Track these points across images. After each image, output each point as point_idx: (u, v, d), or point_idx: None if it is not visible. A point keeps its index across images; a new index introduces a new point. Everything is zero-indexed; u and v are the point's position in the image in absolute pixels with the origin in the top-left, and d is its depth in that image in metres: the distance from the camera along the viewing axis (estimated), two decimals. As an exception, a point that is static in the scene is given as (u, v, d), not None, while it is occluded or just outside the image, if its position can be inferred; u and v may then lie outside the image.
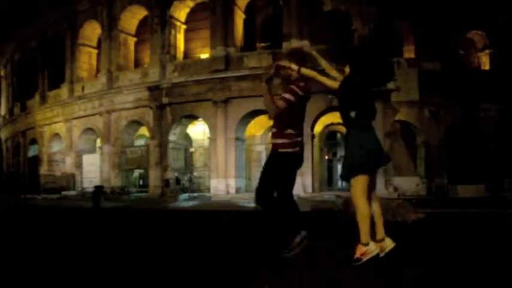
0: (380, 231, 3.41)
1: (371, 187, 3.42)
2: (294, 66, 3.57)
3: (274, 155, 3.63)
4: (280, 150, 3.57)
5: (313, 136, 17.14)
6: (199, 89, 17.83)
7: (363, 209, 3.28)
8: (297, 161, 3.67)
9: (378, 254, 3.27)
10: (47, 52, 23.46)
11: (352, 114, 3.37)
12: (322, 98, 15.13)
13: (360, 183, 3.31)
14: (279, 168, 3.59)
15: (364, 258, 3.20)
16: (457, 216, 7.94)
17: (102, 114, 20.23)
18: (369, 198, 3.38)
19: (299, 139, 3.64)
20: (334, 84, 3.55)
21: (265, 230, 3.58)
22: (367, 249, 3.23)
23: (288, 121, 3.59)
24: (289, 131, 3.59)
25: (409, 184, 16.23)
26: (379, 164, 3.48)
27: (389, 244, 3.40)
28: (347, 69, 3.62)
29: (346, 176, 3.42)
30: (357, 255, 3.23)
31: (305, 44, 3.56)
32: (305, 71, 3.58)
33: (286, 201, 3.63)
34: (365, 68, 3.64)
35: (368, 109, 3.43)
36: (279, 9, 17.75)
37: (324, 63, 3.82)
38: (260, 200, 3.61)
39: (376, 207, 3.44)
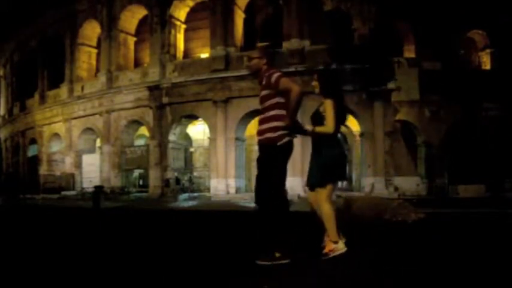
0: (332, 234, 3.64)
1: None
2: (309, 127, 3.71)
3: (270, 150, 3.45)
4: (279, 143, 3.42)
5: (313, 136, 17.14)
6: (199, 89, 17.81)
7: (328, 211, 3.61)
8: (291, 149, 3.59)
9: (346, 252, 3.55)
10: (46, 52, 23.45)
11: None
12: (322, 98, 15.08)
13: (327, 190, 3.65)
14: (280, 162, 3.46)
15: (332, 254, 3.50)
16: (457, 216, 7.92)
17: (102, 114, 20.21)
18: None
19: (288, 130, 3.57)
20: (327, 129, 3.70)
21: (265, 230, 3.54)
22: (336, 247, 3.53)
23: (277, 112, 3.47)
24: (279, 124, 3.45)
25: (410, 184, 16.22)
26: (344, 176, 3.92)
27: (341, 247, 3.60)
28: (315, 83, 3.85)
29: (316, 184, 3.70)
30: (326, 250, 3.55)
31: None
32: (319, 129, 3.75)
33: (281, 198, 3.49)
34: (334, 87, 3.87)
35: (341, 122, 3.80)
36: (279, 8, 17.74)
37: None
38: (261, 200, 3.45)
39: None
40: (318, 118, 3.80)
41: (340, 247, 3.54)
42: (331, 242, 3.55)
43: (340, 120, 3.74)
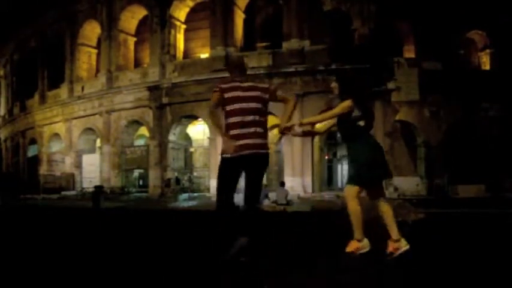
0: (394, 232, 3.55)
1: (379, 193, 3.64)
2: (297, 125, 3.56)
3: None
4: (222, 155, 3.38)
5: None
6: (199, 89, 17.81)
7: (353, 208, 3.52)
8: (227, 164, 3.45)
9: (369, 251, 3.50)
10: (46, 52, 23.46)
11: (362, 122, 3.60)
12: (322, 98, 15.12)
13: (356, 190, 3.55)
14: (220, 171, 3.46)
15: (357, 253, 3.46)
16: (457, 216, 7.92)
17: (102, 114, 20.22)
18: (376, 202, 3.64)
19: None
20: (338, 110, 3.59)
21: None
22: (360, 245, 3.50)
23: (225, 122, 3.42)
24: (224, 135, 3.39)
25: (409, 184, 16.21)
26: (383, 178, 3.71)
27: (404, 245, 3.50)
28: (334, 85, 3.72)
29: (355, 182, 3.58)
30: (350, 249, 3.49)
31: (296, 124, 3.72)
32: (306, 120, 3.69)
33: (223, 205, 3.51)
34: (354, 88, 3.69)
35: (367, 118, 3.65)
36: (279, 8, 17.74)
37: (319, 118, 3.80)
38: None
39: (385, 210, 3.63)
40: (345, 122, 3.65)
41: (366, 244, 3.53)
42: (356, 241, 3.51)
43: (369, 118, 3.63)
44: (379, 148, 3.66)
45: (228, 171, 3.41)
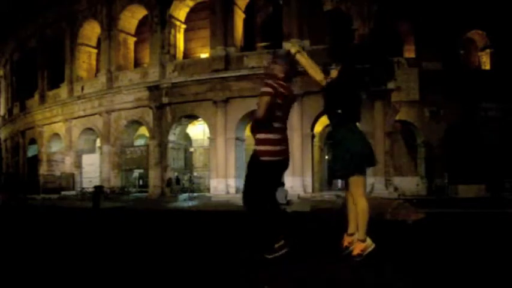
0: (355, 227, 3.57)
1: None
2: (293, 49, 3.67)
3: (257, 161, 3.41)
4: (263, 158, 3.37)
5: (313, 136, 17.13)
6: (199, 89, 17.81)
7: (365, 207, 3.46)
8: (282, 167, 3.51)
9: (374, 249, 3.40)
10: (46, 52, 23.45)
11: (339, 110, 3.61)
12: (322, 98, 15.11)
13: (361, 182, 3.52)
14: (263, 175, 3.40)
15: (365, 253, 3.36)
16: (457, 216, 7.92)
17: (102, 114, 20.21)
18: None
19: (283, 146, 3.45)
20: (322, 80, 3.81)
21: (263, 231, 3.54)
22: (366, 245, 3.40)
23: (271, 124, 3.39)
24: (273, 136, 3.39)
25: (409, 184, 16.22)
26: (367, 165, 3.67)
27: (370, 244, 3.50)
28: (334, 74, 3.83)
29: (351, 173, 3.51)
30: (357, 251, 3.37)
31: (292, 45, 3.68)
32: (300, 57, 3.79)
33: (271, 205, 3.49)
34: (354, 72, 3.73)
35: (353, 110, 3.65)
36: (279, 8, 17.74)
37: (310, 65, 3.84)
38: (248, 205, 3.50)
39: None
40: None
41: (370, 243, 3.41)
42: (360, 241, 3.40)
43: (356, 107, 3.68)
44: (360, 136, 3.72)
45: (277, 172, 3.61)
